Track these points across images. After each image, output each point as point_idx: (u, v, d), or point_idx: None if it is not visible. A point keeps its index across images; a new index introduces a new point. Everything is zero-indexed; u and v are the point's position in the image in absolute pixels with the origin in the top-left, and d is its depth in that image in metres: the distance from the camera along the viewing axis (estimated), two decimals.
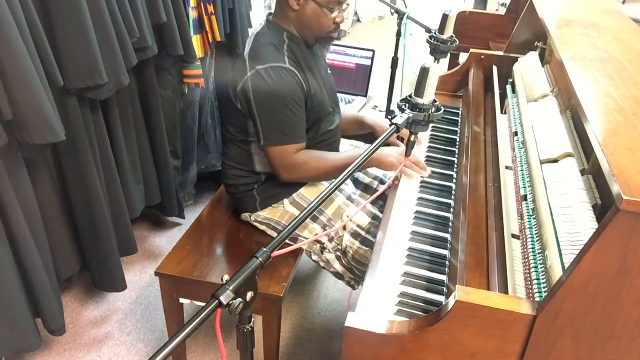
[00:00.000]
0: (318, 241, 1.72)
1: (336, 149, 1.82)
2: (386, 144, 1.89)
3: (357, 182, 1.92)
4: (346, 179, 1.00)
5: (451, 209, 1.48)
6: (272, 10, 1.68)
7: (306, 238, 1.70)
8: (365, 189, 1.89)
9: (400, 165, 1.56)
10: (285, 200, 1.72)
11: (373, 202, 1.78)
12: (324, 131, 1.70)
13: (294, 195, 1.72)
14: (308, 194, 1.72)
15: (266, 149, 1.60)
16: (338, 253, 1.71)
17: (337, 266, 1.72)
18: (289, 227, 0.89)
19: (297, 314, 2.15)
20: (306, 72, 1.60)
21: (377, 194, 1.38)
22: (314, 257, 1.75)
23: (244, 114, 1.61)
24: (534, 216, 1.15)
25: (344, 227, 1.68)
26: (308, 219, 1.66)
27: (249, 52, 1.60)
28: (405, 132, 1.72)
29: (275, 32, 1.61)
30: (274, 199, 1.73)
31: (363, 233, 1.67)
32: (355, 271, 1.70)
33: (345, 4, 1.60)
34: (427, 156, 1.73)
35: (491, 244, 1.18)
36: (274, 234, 1.77)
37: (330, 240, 1.70)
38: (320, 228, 1.69)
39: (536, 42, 1.87)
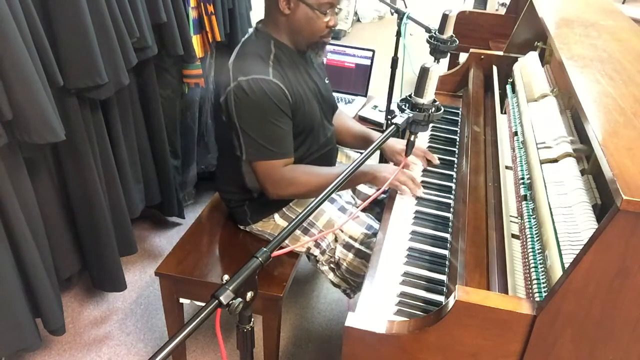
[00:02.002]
0: (310, 254, 1.71)
1: (331, 160, 1.78)
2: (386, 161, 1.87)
3: (356, 191, 1.90)
4: (345, 180, 1.00)
5: (451, 209, 1.48)
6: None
7: (303, 246, 1.68)
8: (366, 199, 1.87)
9: (392, 176, 1.51)
10: (276, 215, 1.71)
11: (369, 210, 1.76)
12: (315, 143, 1.65)
13: (284, 209, 1.70)
14: (299, 207, 1.70)
15: (252, 164, 1.54)
16: (332, 265, 1.69)
17: (332, 277, 1.71)
18: (289, 227, 0.89)
19: (297, 314, 2.15)
20: (293, 83, 1.53)
21: (366, 203, 1.31)
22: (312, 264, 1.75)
23: (228, 127, 1.54)
24: (534, 216, 1.15)
25: (336, 239, 1.66)
26: (300, 232, 1.67)
27: (233, 61, 1.52)
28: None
29: (263, 40, 1.54)
30: (265, 214, 1.71)
31: (356, 245, 1.63)
32: (350, 282, 1.69)
33: (338, 8, 1.53)
34: None
35: (491, 244, 1.18)
36: None
37: (323, 253, 1.68)
38: (312, 241, 1.67)
39: (536, 42, 1.87)
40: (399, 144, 1.75)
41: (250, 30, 1.61)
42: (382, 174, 1.56)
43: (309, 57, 1.64)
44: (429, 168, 1.68)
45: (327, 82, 1.75)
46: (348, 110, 2.68)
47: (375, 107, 2.73)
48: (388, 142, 1.74)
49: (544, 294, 0.97)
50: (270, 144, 1.49)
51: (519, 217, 1.22)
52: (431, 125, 1.88)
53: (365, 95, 2.84)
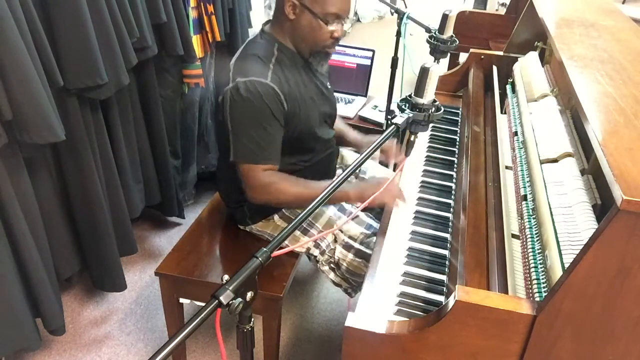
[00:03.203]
0: (310, 254, 1.71)
1: (331, 163, 1.78)
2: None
3: None
4: (344, 180, 1.00)
5: (451, 209, 1.48)
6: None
7: (302, 246, 1.68)
8: None
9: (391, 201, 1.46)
10: (276, 216, 1.71)
11: (369, 210, 1.76)
12: (313, 147, 1.65)
13: (284, 209, 1.70)
14: (298, 208, 1.69)
15: (236, 165, 1.52)
16: (332, 265, 1.69)
17: (333, 277, 1.71)
18: (289, 227, 0.89)
19: (297, 314, 2.15)
20: (293, 87, 1.52)
21: (365, 203, 1.26)
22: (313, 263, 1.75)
23: (223, 127, 1.53)
24: (534, 216, 1.15)
25: (335, 240, 1.66)
26: (299, 233, 1.67)
27: (235, 61, 1.52)
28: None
29: (267, 42, 1.53)
30: (264, 214, 1.71)
31: (356, 245, 1.63)
32: (351, 281, 1.68)
33: (346, 18, 1.51)
34: (427, 156, 1.73)
35: (491, 244, 1.18)
36: None
37: (322, 253, 1.68)
38: (312, 242, 1.67)
39: (536, 42, 1.87)
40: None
41: (251, 30, 1.60)
42: (384, 199, 1.46)
43: (313, 64, 1.62)
44: (429, 168, 1.68)
45: (329, 86, 1.74)
46: (348, 110, 2.68)
47: (375, 107, 2.73)
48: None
49: (544, 294, 0.97)
50: (256, 147, 1.48)
51: (519, 217, 1.22)
52: (431, 125, 1.88)
53: (365, 95, 2.84)
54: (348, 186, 1.55)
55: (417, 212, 1.48)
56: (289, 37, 1.54)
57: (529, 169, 1.28)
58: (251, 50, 1.53)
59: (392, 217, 1.44)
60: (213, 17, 2.26)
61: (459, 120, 1.93)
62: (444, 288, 1.22)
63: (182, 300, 1.70)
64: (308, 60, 1.58)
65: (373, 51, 2.78)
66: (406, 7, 5.31)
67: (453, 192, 1.56)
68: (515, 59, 1.87)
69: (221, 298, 0.77)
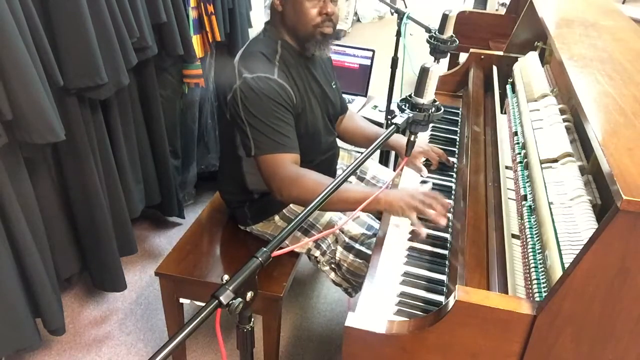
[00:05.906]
0: (311, 255, 1.71)
1: (331, 165, 1.78)
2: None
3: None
4: (343, 181, 1.00)
5: (451, 209, 1.48)
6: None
7: (303, 246, 1.68)
8: None
9: (413, 213, 1.34)
10: (276, 216, 1.70)
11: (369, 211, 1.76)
12: (316, 148, 1.64)
13: (285, 210, 1.70)
14: (299, 209, 1.68)
15: (258, 159, 1.47)
16: (332, 266, 1.69)
17: (333, 276, 1.71)
18: (289, 227, 0.89)
19: (297, 314, 2.15)
20: (299, 86, 1.53)
21: (365, 203, 1.22)
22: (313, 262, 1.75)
23: (232, 126, 1.52)
24: (534, 216, 1.15)
25: (336, 240, 1.66)
26: (300, 233, 1.67)
27: (239, 59, 1.52)
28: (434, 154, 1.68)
29: (270, 40, 1.54)
30: (265, 215, 1.71)
31: (357, 245, 1.62)
32: (351, 282, 1.68)
33: None
34: None
35: (491, 244, 1.18)
36: None
37: (323, 254, 1.68)
38: (312, 242, 1.67)
39: (536, 42, 1.87)
40: (417, 147, 1.62)
41: (251, 30, 1.61)
42: (399, 203, 1.36)
43: (317, 59, 1.61)
44: (429, 168, 1.68)
45: (334, 86, 1.73)
46: None
47: (375, 107, 2.73)
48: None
49: (544, 294, 0.98)
50: (278, 137, 1.46)
51: (519, 217, 1.22)
52: (431, 125, 1.88)
53: (365, 95, 2.84)
54: (380, 193, 1.41)
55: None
56: (285, 31, 1.54)
57: (529, 169, 1.28)
58: (255, 48, 1.53)
59: (392, 217, 1.44)
60: (213, 17, 2.27)
61: (459, 120, 1.93)
62: (444, 288, 1.22)
63: (182, 300, 1.70)
64: (308, 50, 1.54)
65: (373, 51, 2.78)
66: (406, 7, 5.31)
67: (453, 192, 1.56)
68: (515, 59, 1.87)
69: (221, 298, 0.77)
